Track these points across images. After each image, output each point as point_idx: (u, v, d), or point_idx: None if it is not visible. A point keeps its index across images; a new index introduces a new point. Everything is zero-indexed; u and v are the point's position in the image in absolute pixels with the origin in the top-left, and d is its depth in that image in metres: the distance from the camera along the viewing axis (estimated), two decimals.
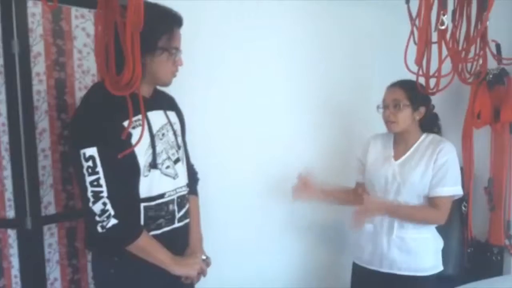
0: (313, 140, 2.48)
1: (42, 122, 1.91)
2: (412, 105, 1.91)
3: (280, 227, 2.45)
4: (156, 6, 1.48)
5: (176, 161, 1.60)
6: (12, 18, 1.80)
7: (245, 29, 2.23)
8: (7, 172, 1.88)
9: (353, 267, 2.13)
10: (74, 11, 1.96)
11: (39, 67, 1.88)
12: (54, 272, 2.01)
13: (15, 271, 1.94)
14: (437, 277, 1.95)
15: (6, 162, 1.88)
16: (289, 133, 2.41)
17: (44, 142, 1.92)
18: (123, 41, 1.16)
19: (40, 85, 1.89)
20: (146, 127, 1.48)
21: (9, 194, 1.89)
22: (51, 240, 1.99)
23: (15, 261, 1.93)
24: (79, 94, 2.01)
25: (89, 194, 1.39)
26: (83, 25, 1.99)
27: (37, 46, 1.87)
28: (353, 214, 1.91)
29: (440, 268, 1.97)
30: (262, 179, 2.35)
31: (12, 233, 1.92)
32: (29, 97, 1.86)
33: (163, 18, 1.47)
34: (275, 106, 2.36)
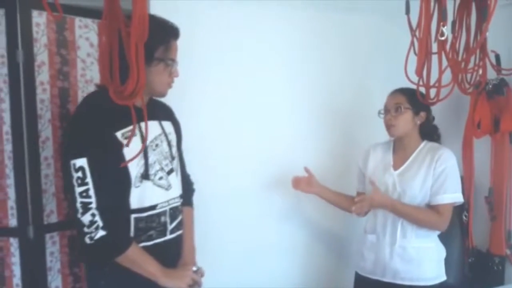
0: (313, 145, 2.47)
1: (45, 130, 1.92)
2: (413, 109, 1.93)
3: (279, 234, 2.44)
4: (153, 17, 1.47)
5: (170, 172, 1.58)
6: (17, 28, 1.84)
7: (245, 34, 2.24)
8: (10, 181, 1.90)
9: (355, 277, 2.12)
10: (78, 21, 1.99)
11: (43, 76, 1.91)
12: (55, 281, 2.01)
13: (16, 279, 1.94)
14: (439, 286, 1.94)
15: (9, 171, 1.89)
16: (288, 138, 2.41)
17: (47, 151, 1.93)
18: (127, 51, 1.16)
19: (43, 94, 1.91)
20: (139, 137, 1.47)
21: (11, 202, 1.90)
22: (53, 248, 2.00)
23: (16, 270, 1.94)
24: None
25: (78, 205, 1.38)
26: (86, 35, 2.02)
27: (41, 56, 1.90)
28: (358, 199, 1.92)
29: (443, 277, 1.96)
30: (261, 184, 2.35)
31: (14, 242, 1.92)
32: (32, 106, 1.88)
33: (160, 30, 1.46)
34: (274, 112, 2.36)
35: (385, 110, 1.99)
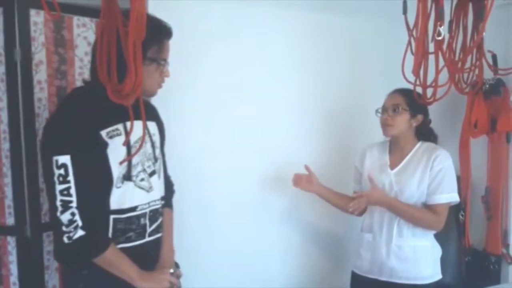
0: (310, 145, 2.46)
1: None
2: (410, 111, 1.94)
3: (276, 234, 2.44)
4: (147, 17, 1.47)
5: (152, 173, 1.55)
6: (14, 26, 1.83)
7: (241, 34, 2.24)
8: (8, 179, 1.89)
9: (352, 276, 2.13)
10: (76, 20, 1.99)
11: (40, 75, 1.90)
12: (52, 279, 2.01)
13: (14, 278, 1.94)
14: (435, 285, 1.95)
15: (7, 169, 1.89)
16: (285, 139, 2.40)
17: None
18: (125, 50, 1.16)
19: (41, 93, 1.91)
20: (125, 137, 1.44)
21: (9, 201, 1.90)
22: (50, 247, 2.00)
23: (14, 269, 1.94)
24: None
25: (58, 203, 1.34)
26: (84, 34, 2.02)
27: (39, 55, 1.90)
28: (356, 195, 1.92)
29: (439, 276, 1.97)
30: (257, 184, 2.34)
31: (11, 240, 1.92)
32: (30, 105, 1.88)
33: (153, 29, 1.39)
34: (271, 112, 2.35)
35: (382, 109, 2.00)
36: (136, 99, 1.52)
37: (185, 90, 2.10)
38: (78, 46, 2.01)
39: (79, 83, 2.01)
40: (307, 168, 2.11)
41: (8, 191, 1.90)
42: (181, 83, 1.95)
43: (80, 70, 2.02)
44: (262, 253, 2.38)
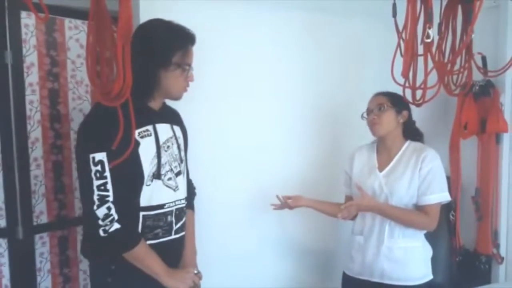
0: (305, 152, 2.47)
1: (35, 131, 1.93)
2: (395, 108, 1.96)
3: (269, 239, 2.44)
4: (171, 24, 1.54)
5: (178, 174, 1.62)
6: (5, 29, 1.83)
7: (234, 34, 2.24)
8: None
9: (343, 278, 2.13)
10: (68, 22, 1.99)
11: (32, 77, 1.91)
12: (45, 281, 2.01)
13: (5, 280, 1.94)
14: (427, 285, 1.96)
15: None
16: (282, 143, 2.40)
17: (36, 152, 1.94)
18: (113, 53, 1.18)
19: (33, 95, 1.91)
20: (153, 138, 1.52)
21: (0, 203, 1.90)
22: (43, 249, 2.00)
23: (6, 271, 1.94)
24: (73, 104, 2.03)
25: (95, 198, 1.41)
26: (76, 36, 2.02)
27: (31, 57, 1.90)
28: (344, 206, 1.93)
29: (430, 277, 1.98)
30: (250, 193, 2.34)
31: (3, 242, 1.92)
32: (21, 107, 1.88)
33: (178, 35, 1.53)
34: (266, 116, 2.36)
35: (368, 112, 2.01)
36: (163, 105, 1.63)
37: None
38: (70, 48, 2.01)
39: (71, 86, 2.02)
40: (284, 197, 2.10)
41: (0, 193, 1.90)
42: None
43: (73, 73, 2.02)
44: (252, 254, 2.39)
